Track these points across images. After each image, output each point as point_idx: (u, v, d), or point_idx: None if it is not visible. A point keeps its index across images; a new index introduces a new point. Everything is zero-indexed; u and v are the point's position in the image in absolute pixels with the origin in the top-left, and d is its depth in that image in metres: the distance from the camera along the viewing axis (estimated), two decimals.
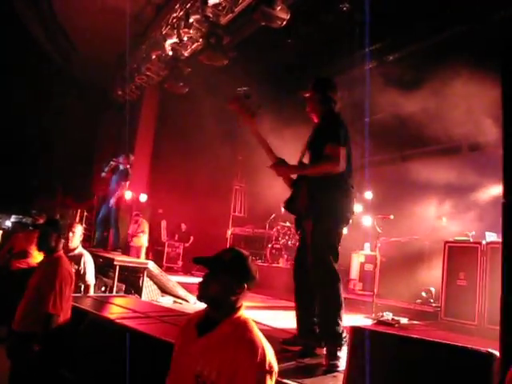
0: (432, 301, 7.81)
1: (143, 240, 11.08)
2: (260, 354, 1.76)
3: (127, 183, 9.03)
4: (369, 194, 11.71)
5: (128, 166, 9.35)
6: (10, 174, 12.49)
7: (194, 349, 1.87)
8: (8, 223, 13.58)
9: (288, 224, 12.42)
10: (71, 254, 4.71)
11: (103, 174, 9.47)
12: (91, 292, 4.88)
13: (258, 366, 1.73)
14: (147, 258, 10.52)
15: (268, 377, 1.73)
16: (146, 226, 11.27)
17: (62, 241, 3.61)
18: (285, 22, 8.19)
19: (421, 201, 9.91)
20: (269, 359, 1.77)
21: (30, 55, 12.79)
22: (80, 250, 4.89)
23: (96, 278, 5.87)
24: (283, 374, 2.37)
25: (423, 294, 7.93)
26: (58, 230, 3.57)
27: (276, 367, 1.80)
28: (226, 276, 1.91)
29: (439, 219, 8.74)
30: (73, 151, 14.27)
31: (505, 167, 2.50)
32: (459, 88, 8.92)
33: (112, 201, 8.85)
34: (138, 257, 10.08)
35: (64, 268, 3.40)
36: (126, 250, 10.63)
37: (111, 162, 9.46)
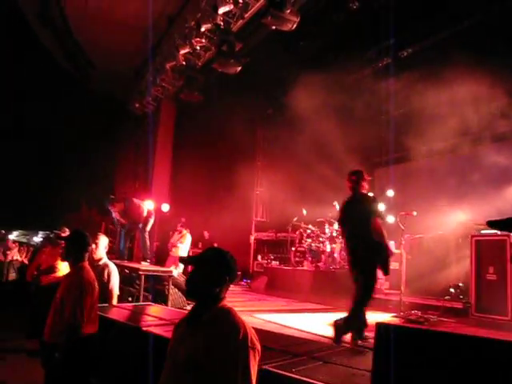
0: (462, 297, 7.64)
1: (181, 251, 11.11)
2: (243, 333, 1.99)
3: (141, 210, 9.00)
4: (391, 192, 11.60)
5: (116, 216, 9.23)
6: (36, 192, 12.78)
7: (185, 337, 2.10)
8: (36, 239, 13.90)
9: (311, 227, 12.35)
10: (96, 264, 4.78)
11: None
12: (114, 302, 4.93)
13: (241, 343, 1.96)
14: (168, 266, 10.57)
15: (251, 352, 1.97)
16: (187, 238, 11.27)
17: (86, 252, 3.68)
18: (295, 25, 8.20)
19: (443, 196, 9.76)
20: (251, 338, 2.00)
21: (48, 72, 13.11)
22: (104, 260, 4.95)
23: (122, 288, 5.94)
24: None
25: (452, 290, 7.77)
26: (81, 242, 3.64)
27: (258, 346, 2.02)
28: (209, 270, 2.15)
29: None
30: (94, 165, 14.54)
31: None
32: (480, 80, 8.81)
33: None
34: (176, 266, 10.15)
35: (85, 278, 3.45)
36: (164, 259, 10.84)
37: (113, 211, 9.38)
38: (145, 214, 8.88)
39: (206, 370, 1.95)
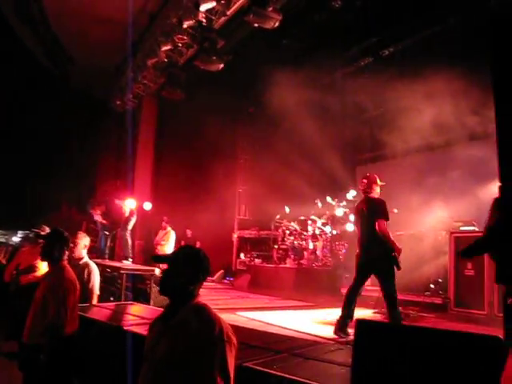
0: (441, 292, 7.77)
1: (166, 249, 11.09)
2: (218, 328, 2.03)
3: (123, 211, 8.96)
4: None
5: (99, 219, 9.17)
6: (14, 191, 12.57)
7: (162, 336, 2.13)
8: (15, 239, 13.66)
9: (293, 224, 12.42)
10: (76, 264, 4.73)
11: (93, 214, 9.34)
12: (95, 302, 4.89)
13: (217, 338, 2.01)
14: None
15: (228, 346, 2.02)
16: (170, 236, 11.26)
17: (66, 251, 3.64)
18: (277, 23, 8.21)
19: (422, 193, 9.91)
20: (227, 332, 2.05)
21: (26, 68, 12.88)
22: (85, 260, 4.91)
23: (103, 287, 5.89)
24: None
25: (431, 285, 7.90)
26: (60, 241, 3.60)
27: (235, 339, 2.08)
28: (182, 269, 2.21)
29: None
30: (74, 163, 14.35)
31: (500, 154, 2.52)
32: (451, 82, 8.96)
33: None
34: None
35: (67, 277, 3.42)
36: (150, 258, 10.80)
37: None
38: (127, 214, 8.82)
39: (184, 366, 1.98)
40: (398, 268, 5.33)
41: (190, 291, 2.20)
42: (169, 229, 11.29)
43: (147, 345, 2.22)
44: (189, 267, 2.21)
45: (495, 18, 2.83)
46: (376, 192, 5.83)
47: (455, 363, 2.07)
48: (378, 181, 5.91)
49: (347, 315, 5.32)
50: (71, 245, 4.73)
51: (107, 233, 9.04)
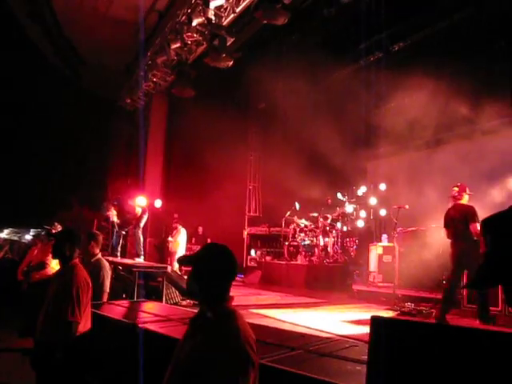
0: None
1: (175, 246, 11.18)
2: (239, 343, 1.83)
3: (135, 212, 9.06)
4: (383, 186, 11.66)
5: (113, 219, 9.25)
6: (26, 190, 12.69)
7: (187, 338, 2.03)
8: (28, 237, 13.80)
9: (304, 221, 12.40)
10: (88, 261, 4.76)
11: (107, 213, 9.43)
12: (105, 299, 4.91)
13: (235, 354, 1.81)
14: (165, 262, 10.63)
15: (246, 366, 1.80)
16: (180, 234, 11.32)
17: (77, 249, 3.65)
18: (287, 19, 8.18)
19: (435, 188, 9.82)
20: (248, 350, 1.83)
21: (39, 70, 12.99)
22: (97, 257, 4.93)
23: (115, 285, 5.92)
24: None
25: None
26: (71, 239, 3.61)
27: (256, 358, 1.85)
28: (207, 269, 2.03)
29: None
30: (86, 162, 14.45)
31: None
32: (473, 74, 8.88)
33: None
34: (172, 261, 10.22)
35: (80, 275, 3.44)
36: (162, 256, 10.92)
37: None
38: (139, 212, 8.87)
39: (196, 376, 1.85)
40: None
41: (217, 293, 2.04)
42: (179, 227, 11.37)
43: (178, 345, 2.10)
44: (213, 267, 2.03)
45: None
46: (465, 199, 6.48)
47: (474, 361, 2.05)
48: (467, 189, 6.58)
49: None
50: (89, 241, 4.78)
51: (120, 231, 9.10)
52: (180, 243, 11.18)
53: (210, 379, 1.82)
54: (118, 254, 8.87)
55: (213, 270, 2.04)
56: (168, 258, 11.02)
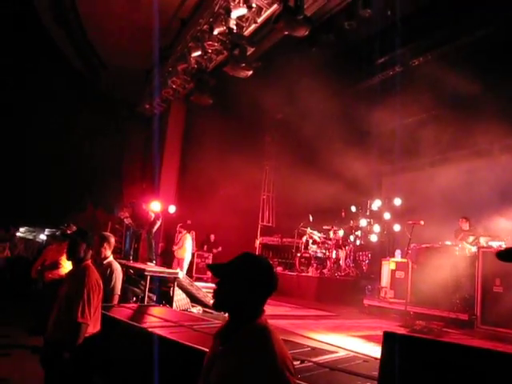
0: (467, 309, 7.58)
1: (182, 252, 11.23)
2: (276, 362, 1.70)
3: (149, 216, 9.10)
4: (398, 201, 11.57)
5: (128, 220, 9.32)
6: (42, 190, 12.84)
7: (217, 356, 1.86)
8: (43, 237, 13.94)
9: (316, 233, 12.34)
10: (100, 263, 4.78)
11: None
12: (115, 302, 4.92)
13: (272, 376, 1.68)
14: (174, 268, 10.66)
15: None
16: (186, 240, 11.38)
17: (90, 251, 3.67)
18: (308, 31, 8.20)
19: (451, 205, 9.73)
20: (285, 374, 1.70)
21: (60, 72, 13.20)
22: (109, 260, 4.95)
23: (126, 288, 5.94)
24: None
25: (457, 301, 7.71)
26: (86, 240, 3.63)
27: (292, 381, 1.73)
28: (240, 281, 1.85)
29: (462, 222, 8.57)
30: (102, 165, 14.59)
31: None
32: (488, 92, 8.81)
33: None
34: (181, 268, 10.22)
35: (91, 277, 3.45)
36: (171, 261, 11.02)
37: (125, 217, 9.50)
38: (152, 217, 8.91)
39: None
40: None
41: (250, 308, 1.86)
42: (184, 232, 11.44)
43: (206, 361, 1.95)
44: (248, 279, 1.85)
45: None
46: None
47: (484, 381, 2.01)
48: None
49: None
50: (101, 243, 4.80)
51: (136, 232, 9.17)
52: (187, 249, 11.26)
53: None
54: (131, 257, 8.91)
55: (252, 282, 1.86)
56: (175, 265, 11.01)
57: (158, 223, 9.16)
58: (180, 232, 11.56)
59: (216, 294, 1.91)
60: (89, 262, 3.65)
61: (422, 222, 8.16)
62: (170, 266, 9.87)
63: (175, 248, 11.42)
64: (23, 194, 12.52)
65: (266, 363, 1.69)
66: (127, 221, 9.14)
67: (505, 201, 8.84)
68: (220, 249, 13.72)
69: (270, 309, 9.20)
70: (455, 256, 8.03)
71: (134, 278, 7.26)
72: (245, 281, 1.84)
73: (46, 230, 11.97)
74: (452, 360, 2.06)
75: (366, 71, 11.79)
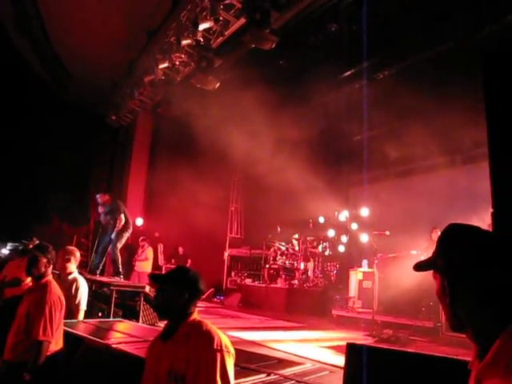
0: (432, 316, 7.74)
1: (145, 265, 11.09)
2: (216, 340, 2.13)
3: (121, 216, 8.88)
4: (365, 211, 11.76)
5: (110, 201, 9.14)
6: (6, 203, 12.47)
7: (163, 354, 2.22)
8: (4, 251, 13.48)
9: (284, 244, 12.40)
10: (64, 278, 4.66)
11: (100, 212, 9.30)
12: (81, 318, 4.79)
13: (216, 350, 2.11)
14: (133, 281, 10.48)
15: (227, 355, 2.12)
16: (150, 253, 11.31)
17: (51, 266, 3.56)
18: (274, 44, 8.31)
19: (416, 215, 9.95)
20: (225, 343, 2.15)
21: (25, 83, 12.92)
22: (74, 275, 4.83)
23: (92, 303, 5.80)
24: None
25: (423, 309, 7.88)
26: (46, 255, 3.53)
27: (232, 349, 2.18)
28: (175, 288, 2.30)
29: (434, 232, 8.74)
30: (68, 177, 14.29)
31: (492, 181, 2.54)
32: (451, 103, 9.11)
33: (113, 235, 8.70)
34: (139, 282, 10.01)
35: (53, 293, 3.33)
36: (129, 275, 10.71)
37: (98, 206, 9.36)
38: (122, 222, 8.69)
39: (189, 379, 2.08)
40: None
41: (182, 309, 2.29)
42: (146, 245, 11.38)
43: (148, 365, 2.30)
44: (178, 286, 2.30)
45: (487, 53, 2.89)
46: None
47: None
48: None
49: None
50: (66, 258, 4.68)
51: (98, 241, 9.04)
52: (150, 262, 11.20)
53: (205, 376, 2.09)
54: (98, 271, 8.71)
55: (185, 289, 2.30)
56: (134, 278, 10.79)
57: (126, 235, 8.97)
58: (143, 246, 11.43)
59: (157, 298, 2.35)
60: (49, 277, 3.53)
61: (388, 232, 8.33)
62: (127, 279, 9.65)
63: (138, 261, 11.24)
64: None
65: (208, 344, 2.12)
66: (101, 209, 8.97)
67: (469, 210, 9.09)
68: (189, 262, 13.59)
69: (238, 321, 9.19)
70: None
71: (99, 293, 7.10)
72: (181, 287, 2.30)
73: (8, 244, 11.58)
74: (412, 368, 2.10)
75: (332, 83, 12.00)
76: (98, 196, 9.17)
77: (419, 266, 1.29)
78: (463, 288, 1.15)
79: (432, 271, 1.26)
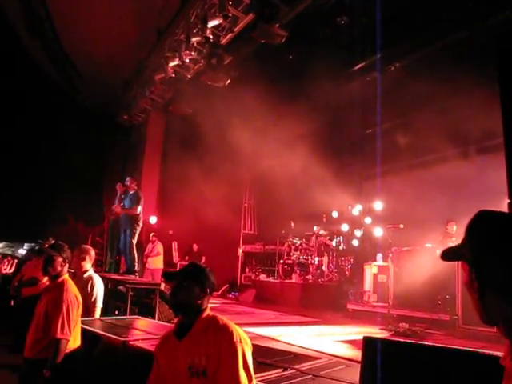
0: (449, 309, 7.67)
1: (157, 262, 11.14)
2: (234, 333, 2.17)
3: (139, 207, 8.90)
4: (378, 205, 11.68)
5: (135, 189, 9.18)
6: (21, 203, 12.64)
7: (180, 351, 2.23)
8: (21, 251, 13.69)
9: (298, 239, 12.38)
10: (80, 277, 4.71)
11: (115, 207, 9.33)
12: (97, 316, 4.84)
13: (235, 342, 2.15)
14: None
15: (246, 347, 2.17)
16: (160, 248, 11.36)
17: (67, 265, 3.61)
18: (284, 39, 8.28)
19: (430, 208, 9.85)
20: (242, 335, 2.20)
21: (37, 84, 13.05)
22: (90, 273, 4.88)
23: (108, 301, 5.85)
24: None
25: (439, 302, 7.81)
26: (62, 254, 3.56)
27: (249, 341, 2.23)
28: (189, 284, 2.32)
29: (449, 225, 8.65)
30: (82, 177, 14.43)
31: (508, 171, 2.50)
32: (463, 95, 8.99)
33: (128, 229, 8.73)
34: (153, 279, 10.06)
35: (70, 292, 3.38)
36: (142, 272, 10.75)
37: (118, 192, 9.41)
38: (138, 211, 8.76)
39: (210, 373, 2.11)
40: None
41: (197, 306, 2.31)
42: (157, 241, 11.42)
43: (162, 363, 2.31)
44: (194, 282, 2.33)
45: (502, 39, 2.85)
46: None
47: (463, 381, 2.04)
48: None
49: None
50: (81, 257, 4.73)
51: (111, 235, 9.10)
52: (161, 257, 11.23)
53: (227, 368, 2.14)
54: (112, 269, 8.79)
55: (198, 286, 2.34)
56: (147, 276, 10.81)
57: (139, 229, 9.01)
58: (153, 241, 11.45)
59: (173, 296, 2.36)
60: (66, 276, 3.57)
61: (402, 226, 8.27)
62: (141, 277, 9.69)
63: (150, 257, 11.23)
64: (1, 208, 12.31)
65: (227, 337, 2.15)
66: (117, 199, 9.08)
67: (483, 201, 8.97)
68: (204, 259, 13.64)
69: (254, 317, 9.21)
70: (436, 257, 8.13)
71: (115, 291, 7.17)
72: (196, 283, 2.33)
73: (25, 244, 11.76)
74: (429, 361, 2.09)
75: (343, 77, 11.93)
76: (127, 179, 9.22)
77: (446, 254, 1.17)
78: (492, 281, 1.04)
79: (455, 262, 1.15)
